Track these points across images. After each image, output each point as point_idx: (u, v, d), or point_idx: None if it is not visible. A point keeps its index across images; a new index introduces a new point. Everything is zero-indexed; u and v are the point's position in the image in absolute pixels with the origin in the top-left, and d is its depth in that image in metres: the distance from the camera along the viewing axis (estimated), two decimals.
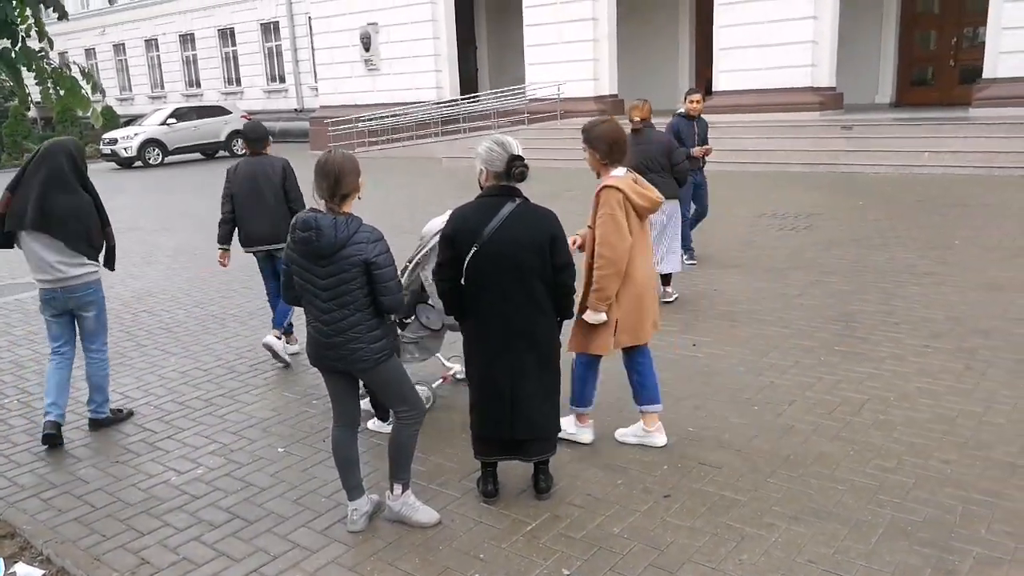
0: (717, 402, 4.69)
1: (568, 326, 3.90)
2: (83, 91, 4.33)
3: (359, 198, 3.35)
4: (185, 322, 7.04)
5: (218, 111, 25.01)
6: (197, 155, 24.67)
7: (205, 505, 3.84)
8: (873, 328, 5.80)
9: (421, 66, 21.74)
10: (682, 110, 7.88)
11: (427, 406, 4.46)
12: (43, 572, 3.36)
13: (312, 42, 25.09)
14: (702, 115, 7.98)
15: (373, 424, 4.57)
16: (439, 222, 4.48)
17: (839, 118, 15.63)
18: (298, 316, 5.01)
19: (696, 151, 7.59)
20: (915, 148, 13.27)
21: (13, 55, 4.04)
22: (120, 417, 4.91)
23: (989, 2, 14.46)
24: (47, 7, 4.13)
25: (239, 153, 23.65)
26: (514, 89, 19.80)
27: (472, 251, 3.42)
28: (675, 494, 3.69)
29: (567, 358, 3.90)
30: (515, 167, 3.45)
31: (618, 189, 3.85)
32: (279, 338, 5.68)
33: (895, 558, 3.13)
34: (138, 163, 23.19)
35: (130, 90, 35.41)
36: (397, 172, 16.94)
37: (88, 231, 4.52)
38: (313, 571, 3.27)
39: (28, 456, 4.49)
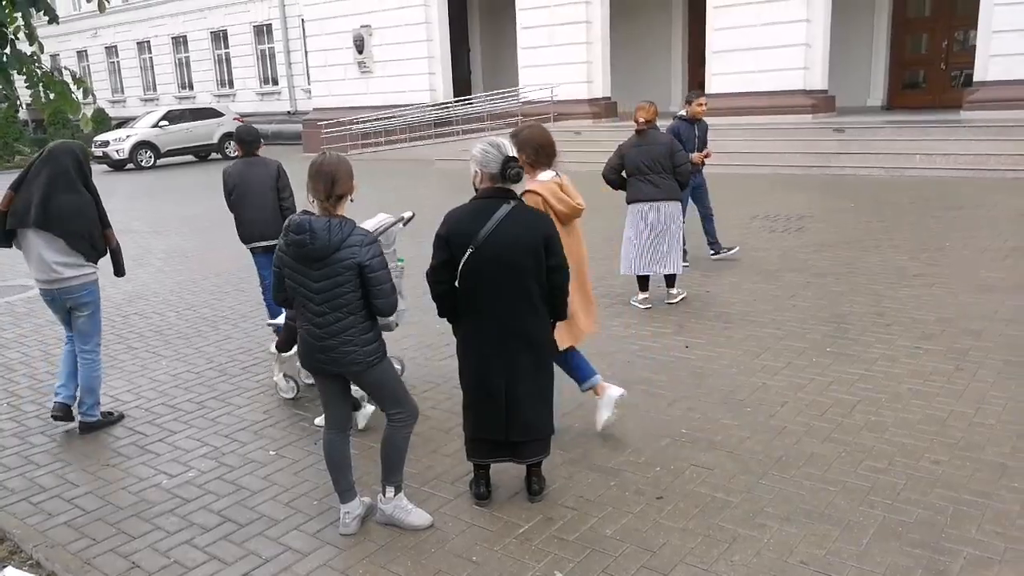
0: (710, 403, 4.70)
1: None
2: (73, 95, 4.31)
3: (352, 200, 3.35)
4: (176, 324, 7.02)
5: (211, 113, 24.95)
6: (190, 157, 24.61)
7: (196, 508, 3.82)
8: (865, 329, 5.82)
9: (414, 68, 21.74)
10: (682, 113, 7.89)
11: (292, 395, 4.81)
12: None
13: (305, 44, 25.08)
14: (703, 118, 7.96)
15: (320, 421, 4.60)
16: (370, 225, 4.69)
17: (831, 121, 15.69)
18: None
19: (695, 157, 7.51)
20: (907, 151, 13.32)
21: (4, 59, 4.02)
22: (111, 420, 4.90)
23: (980, 6, 14.55)
24: (38, 10, 4.11)
25: (231, 156, 23.62)
26: (507, 91, 19.82)
27: (468, 253, 3.42)
28: (668, 496, 3.69)
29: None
30: (510, 168, 3.45)
31: (538, 194, 3.98)
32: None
33: (886, 559, 3.14)
34: (130, 165, 23.11)
35: (122, 92, 35.31)
36: (390, 174, 16.93)
37: (90, 231, 4.58)
38: (305, 574, 3.26)
39: (18, 460, 4.47)
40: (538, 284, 3.51)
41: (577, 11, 18.65)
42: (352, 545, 3.44)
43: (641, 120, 6.51)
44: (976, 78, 14.71)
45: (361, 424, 4.55)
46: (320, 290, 3.26)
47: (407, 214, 5.01)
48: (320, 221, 3.23)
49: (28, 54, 4.19)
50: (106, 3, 4.37)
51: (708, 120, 8.18)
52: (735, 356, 5.44)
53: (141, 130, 23.76)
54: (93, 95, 4.77)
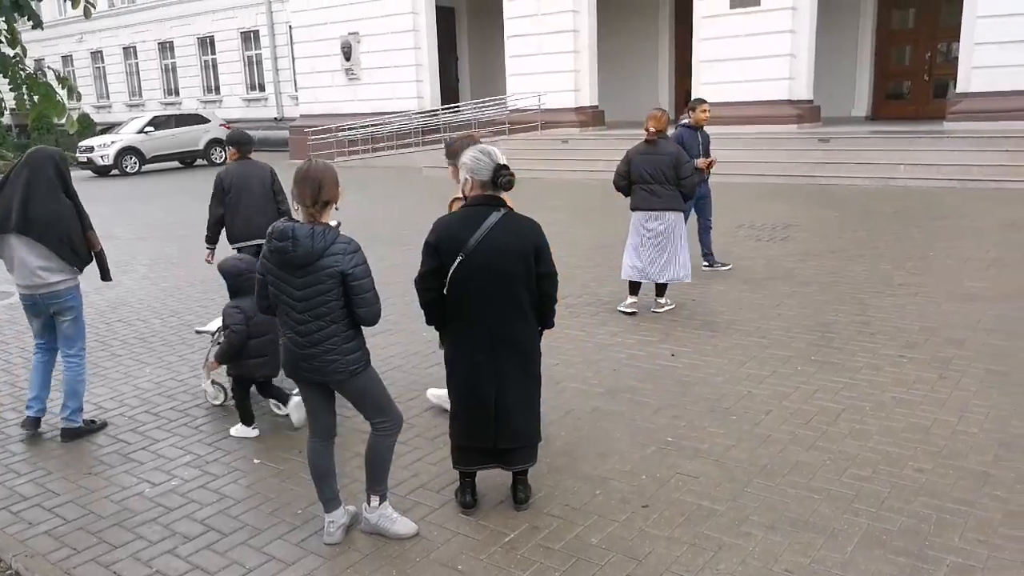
0: (695, 412, 4.71)
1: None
2: (58, 97, 4.29)
3: (336, 208, 3.34)
4: (161, 332, 6.97)
5: (197, 119, 24.84)
6: (175, 163, 24.49)
7: (179, 517, 3.79)
8: (849, 338, 5.85)
9: (402, 76, 21.75)
10: (686, 120, 7.92)
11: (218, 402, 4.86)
12: None
13: (292, 51, 25.04)
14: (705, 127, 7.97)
15: (236, 431, 4.72)
16: None
17: (816, 131, 15.81)
18: None
19: (700, 163, 7.54)
20: (891, 160, 13.44)
21: None
22: (93, 428, 4.85)
23: (962, 18, 14.73)
24: (21, 15, 4.09)
25: (218, 162, 23.57)
26: (495, 100, 19.86)
27: (457, 261, 3.41)
28: (653, 504, 3.70)
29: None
30: (502, 176, 3.45)
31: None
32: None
33: (871, 567, 3.15)
34: (115, 171, 22.97)
35: (108, 98, 35.11)
36: (377, 182, 16.91)
37: (70, 236, 4.56)
38: None
39: None
40: (528, 291, 3.51)
41: (565, 20, 18.73)
42: (337, 554, 3.42)
43: (652, 129, 6.47)
44: (959, 89, 14.88)
45: (295, 419, 4.65)
46: (302, 298, 3.24)
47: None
48: (303, 228, 3.21)
49: (11, 56, 4.17)
50: (92, 9, 4.35)
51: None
52: (721, 364, 5.46)
53: (126, 136, 23.64)
54: (78, 94, 4.73)
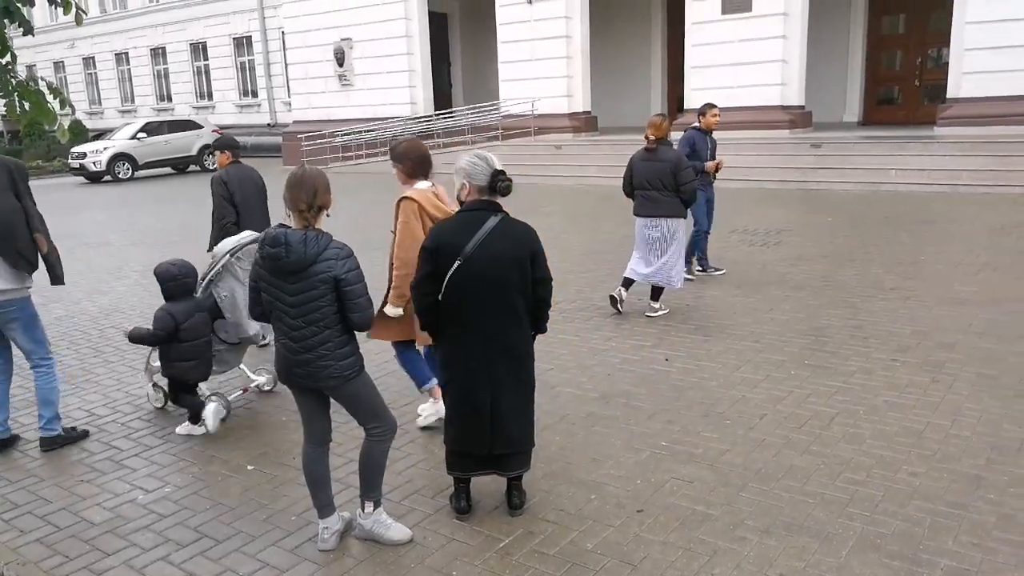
0: (689, 416, 4.71)
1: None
2: (49, 105, 4.28)
3: (328, 215, 3.34)
4: None
5: (190, 125, 24.82)
6: (168, 170, 24.43)
7: (173, 524, 3.77)
8: (842, 342, 5.87)
9: (395, 82, 21.76)
10: (696, 124, 7.97)
11: (222, 416, 4.86)
12: None
13: (285, 57, 25.01)
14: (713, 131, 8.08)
15: (182, 429, 4.81)
16: (231, 242, 5.05)
17: (808, 136, 15.87)
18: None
19: (709, 165, 7.72)
20: (882, 166, 13.52)
21: None
22: (73, 437, 4.75)
23: (952, 24, 14.83)
24: (12, 22, 4.09)
25: (211, 168, 23.47)
26: (488, 105, 19.88)
27: (455, 266, 3.41)
28: (648, 509, 3.70)
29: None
30: (500, 181, 3.47)
31: (414, 200, 4.28)
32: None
33: (865, 571, 3.16)
34: (107, 177, 22.89)
35: (100, 104, 35.01)
36: (370, 187, 16.89)
37: (14, 239, 4.36)
38: None
39: None
40: (523, 297, 3.51)
41: (557, 26, 18.78)
42: (331, 561, 3.41)
43: (651, 137, 6.54)
44: (949, 95, 14.96)
45: (210, 424, 4.70)
46: (296, 304, 3.24)
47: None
48: (296, 234, 3.21)
49: (3, 64, 4.16)
50: (83, 15, 4.35)
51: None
52: (715, 369, 5.47)
53: (119, 142, 23.56)
54: (71, 106, 4.71)
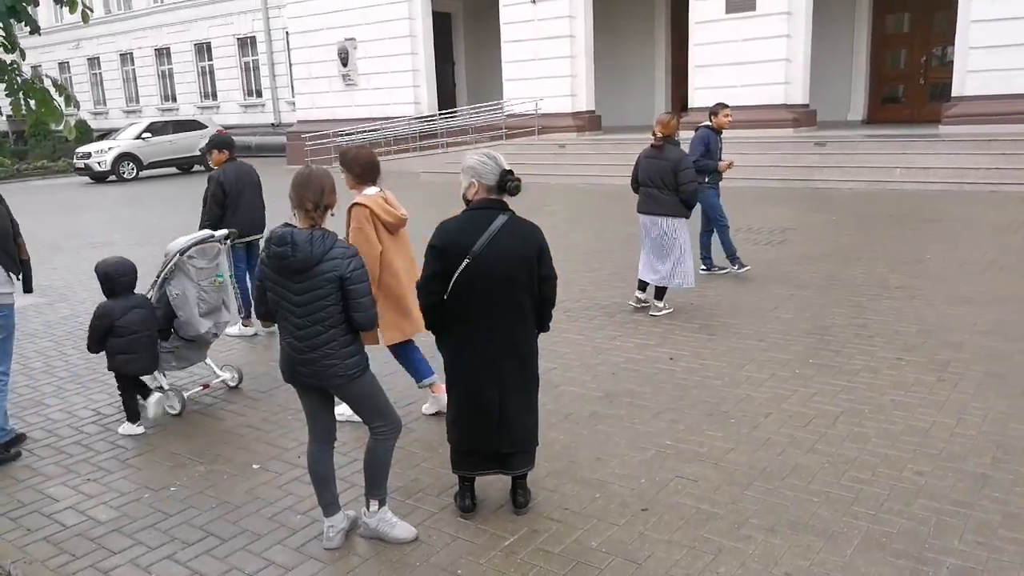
0: (694, 415, 4.71)
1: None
2: (55, 103, 4.29)
3: (332, 214, 3.36)
4: None
5: (194, 125, 24.88)
6: (173, 169, 24.50)
7: (178, 523, 3.78)
8: (847, 341, 5.86)
9: (399, 81, 21.78)
10: (708, 123, 7.98)
11: (176, 411, 5.04)
12: None
13: (289, 57, 25.05)
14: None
15: (123, 429, 4.88)
16: (182, 241, 5.13)
17: (813, 135, 15.85)
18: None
19: (722, 165, 7.82)
20: (887, 164, 13.48)
21: None
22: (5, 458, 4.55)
23: (957, 22, 14.79)
24: (19, 21, 4.09)
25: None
26: (492, 105, 19.88)
27: (463, 264, 3.40)
28: (653, 507, 3.69)
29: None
30: (509, 180, 3.47)
31: (365, 206, 4.39)
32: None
33: (870, 569, 3.16)
34: (112, 177, 22.96)
35: (104, 104, 35.09)
36: None
37: (6, 242, 4.43)
38: None
39: None
40: (529, 296, 3.51)
41: (561, 25, 18.78)
42: (336, 559, 3.41)
43: (659, 134, 6.55)
44: (954, 93, 14.93)
45: (150, 411, 4.85)
46: (301, 303, 3.24)
47: (223, 232, 5.53)
48: (302, 234, 3.22)
49: (8, 63, 4.16)
50: (89, 13, 4.35)
51: (692, 132, 8.26)
52: (719, 368, 5.46)
53: (123, 142, 23.65)
54: (76, 103, 4.73)
